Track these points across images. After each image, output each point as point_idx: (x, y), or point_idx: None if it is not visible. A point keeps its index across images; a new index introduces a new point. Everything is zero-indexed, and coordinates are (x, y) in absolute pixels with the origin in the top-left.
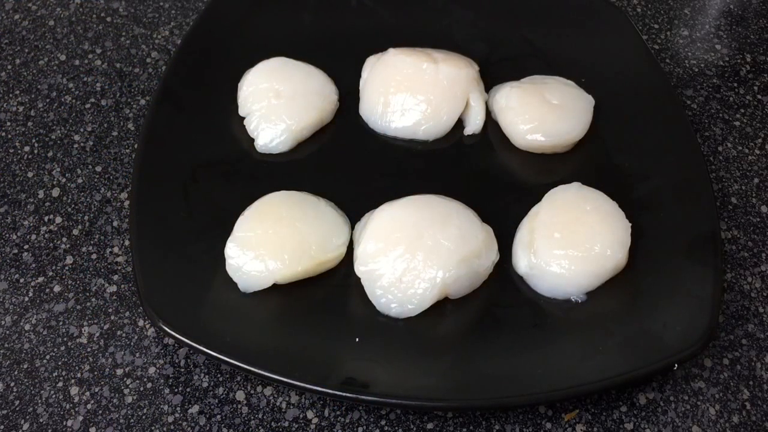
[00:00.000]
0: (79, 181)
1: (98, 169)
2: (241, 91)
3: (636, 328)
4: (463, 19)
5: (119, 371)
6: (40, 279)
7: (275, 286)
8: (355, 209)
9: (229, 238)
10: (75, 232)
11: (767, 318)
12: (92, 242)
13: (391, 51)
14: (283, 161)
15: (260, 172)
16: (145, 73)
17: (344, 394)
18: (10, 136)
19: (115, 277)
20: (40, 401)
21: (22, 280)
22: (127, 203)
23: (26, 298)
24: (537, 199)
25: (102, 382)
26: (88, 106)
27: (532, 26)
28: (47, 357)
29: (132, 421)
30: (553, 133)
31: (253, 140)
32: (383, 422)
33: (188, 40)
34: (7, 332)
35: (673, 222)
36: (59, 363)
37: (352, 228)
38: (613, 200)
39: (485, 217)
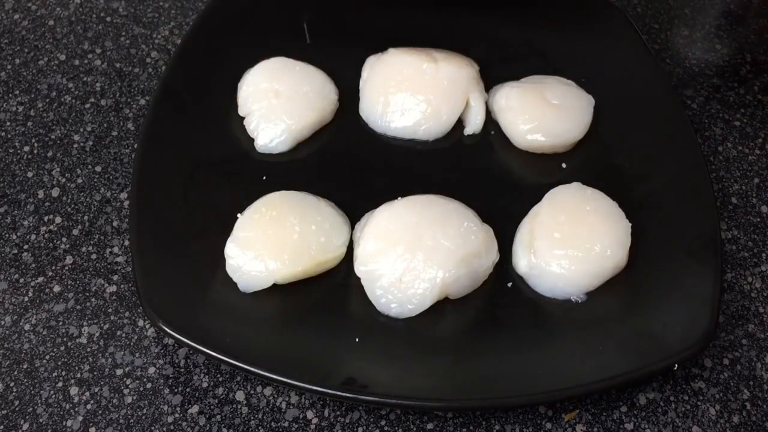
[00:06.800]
0: (79, 181)
1: (98, 169)
2: (241, 91)
3: (636, 328)
4: (463, 19)
5: (119, 371)
6: (40, 279)
7: (275, 286)
8: (355, 209)
9: (229, 238)
10: (75, 232)
11: (767, 318)
12: (92, 242)
13: (391, 51)
14: (283, 161)
15: (260, 172)
16: (145, 73)
17: (344, 394)
18: (10, 136)
19: (115, 277)
20: (40, 401)
21: (22, 280)
22: (127, 203)
23: (26, 298)
24: (537, 199)
25: (102, 382)
26: (87, 106)
27: (532, 26)
28: (47, 357)
29: (132, 421)
30: (553, 133)
31: (253, 140)
32: (383, 422)
33: (188, 40)
34: (7, 332)
35: (673, 222)
36: (59, 363)
37: (352, 228)
38: (613, 200)
39: (485, 217)
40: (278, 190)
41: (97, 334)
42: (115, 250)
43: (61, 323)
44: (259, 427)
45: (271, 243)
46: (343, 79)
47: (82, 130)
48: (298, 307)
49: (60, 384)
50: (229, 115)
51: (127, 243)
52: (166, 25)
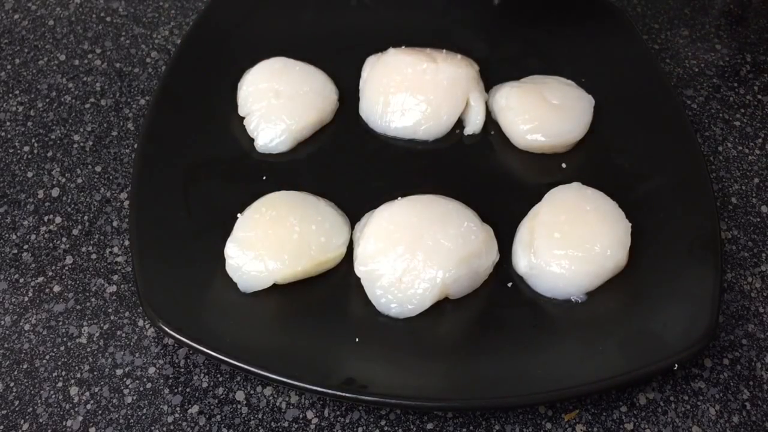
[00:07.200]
0: (79, 181)
1: (98, 169)
2: (241, 91)
3: (636, 328)
4: (463, 19)
5: (119, 371)
6: (40, 279)
7: (275, 286)
8: (355, 209)
9: (229, 238)
10: (75, 232)
11: (767, 318)
12: (92, 242)
13: (391, 51)
14: (283, 161)
15: (260, 172)
16: (145, 73)
17: (344, 394)
18: (9, 136)
19: (115, 277)
20: (39, 401)
21: (21, 280)
22: (127, 203)
23: (26, 298)
24: (537, 199)
25: (102, 382)
26: (87, 106)
27: (532, 26)
28: (47, 357)
29: (132, 421)
30: (553, 133)
31: (253, 140)
32: (383, 422)
33: (188, 40)
34: (7, 332)
35: (673, 222)
36: (59, 363)
37: (352, 228)
38: (613, 200)
39: (485, 217)
40: (278, 190)
41: (97, 334)
42: (115, 250)
43: (61, 323)
44: (259, 427)
45: (271, 243)
46: (343, 79)
47: (82, 130)
48: (298, 307)
49: (60, 384)
50: (229, 115)
51: (127, 243)
52: (166, 25)
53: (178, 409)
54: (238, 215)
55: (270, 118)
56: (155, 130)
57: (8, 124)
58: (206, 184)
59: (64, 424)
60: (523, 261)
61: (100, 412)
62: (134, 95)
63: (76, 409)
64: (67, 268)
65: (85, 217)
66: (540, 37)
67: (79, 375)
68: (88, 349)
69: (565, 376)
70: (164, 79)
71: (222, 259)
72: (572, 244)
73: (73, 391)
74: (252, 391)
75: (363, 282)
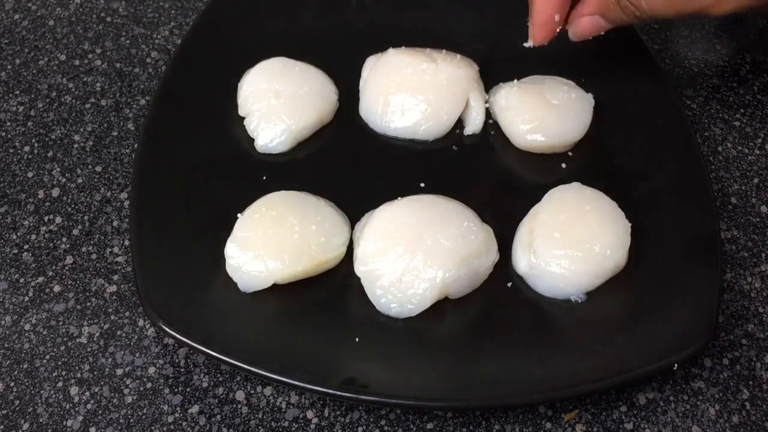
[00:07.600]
0: (79, 181)
1: (98, 169)
2: (241, 91)
3: (636, 328)
4: (463, 19)
5: (119, 371)
6: (40, 279)
7: (275, 286)
8: (355, 209)
9: (229, 238)
10: (75, 232)
11: (767, 318)
12: (92, 242)
13: (391, 51)
14: (283, 161)
15: (260, 172)
16: (145, 73)
17: (344, 394)
18: (10, 136)
19: (115, 277)
20: (40, 401)
21: (22, 280)
22: (127, 203)
23: (26, 298)
24: (537, 199)
25: (102, 382)
26: (88, 106)
27: None
28: (47, 357)
29: (132, 421)
30: (553, 133)
31: (253, 140)
32: (383, 422)
33: (188, 40)
34: (7, 332)
35: (673, 222)
36: (59, 363)
37: (352, 228)
38: (613, 200)
39: (485, 217)
40: (278, 190)
41: (97, 334)
42: (115, 250)
43: (61, 323)
44: (259, 427)
45: (271, 243)
46: (343, 79)
47: (82, 130)
48: (298, 307)
49: (60, 384)
50: (229, 115)
51: (127, 243)
52: (166, 25)
53: (178, 408)
54: (238, 215)
55: (270, 118)
56: (155, 130)
57: (8, 124)
58: (206, 184)
59: (64, 423)
60: (523, 261)
61: (100, 411)
62: (134, 95)
63: (77, 409)
64: (67, 268)
65: (86, 217)
66: None
67: (79, 375)
68: (89, 349)
69: (565, 376)
70: (164, 79)
71: (222, 259)
72: (572, 244)
73: (74, 390)
74: (252, 391)
75: (363, 282)
